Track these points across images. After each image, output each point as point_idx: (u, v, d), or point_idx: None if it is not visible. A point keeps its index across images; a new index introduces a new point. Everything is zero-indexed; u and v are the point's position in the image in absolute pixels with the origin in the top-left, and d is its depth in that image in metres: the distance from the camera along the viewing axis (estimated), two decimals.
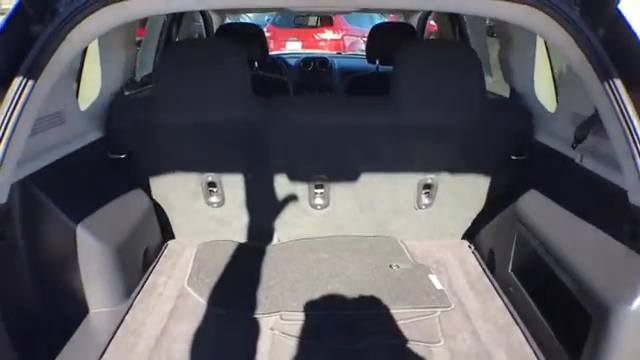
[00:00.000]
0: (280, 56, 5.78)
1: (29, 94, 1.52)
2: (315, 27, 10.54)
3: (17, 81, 1.50)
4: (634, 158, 1.53)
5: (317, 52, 7.53)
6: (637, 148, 1.51)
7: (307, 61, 5.32)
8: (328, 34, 10.62)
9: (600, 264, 1.73)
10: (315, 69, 5.20)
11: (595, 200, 1.96)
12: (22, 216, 1.92)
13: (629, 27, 1.60)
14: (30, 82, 1.52)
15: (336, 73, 5.18)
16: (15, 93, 1.49)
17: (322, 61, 5.31)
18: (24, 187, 1.90)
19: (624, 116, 1.53)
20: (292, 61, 5.45)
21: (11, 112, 1.49)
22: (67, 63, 1.67)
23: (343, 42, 10.42)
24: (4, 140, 1.47)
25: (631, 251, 1.64)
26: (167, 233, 2.81)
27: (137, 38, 3.20)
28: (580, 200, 2.03)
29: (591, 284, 1.69)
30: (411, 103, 2.45)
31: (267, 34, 7.35)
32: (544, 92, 2.75)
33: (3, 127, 1.47)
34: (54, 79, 1.62)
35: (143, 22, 3.66)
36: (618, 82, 1.55)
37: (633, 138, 1.52)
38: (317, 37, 10.55)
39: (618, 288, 1.59)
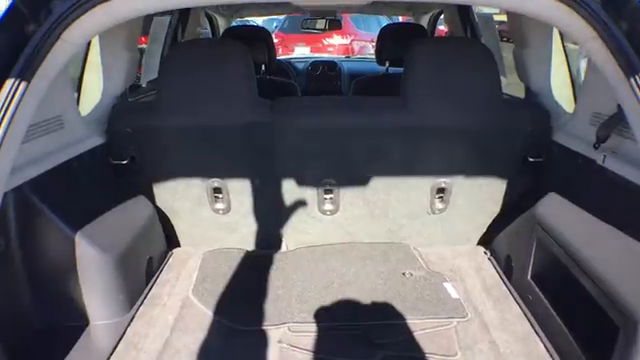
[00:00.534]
0: (288, 60, 5.71)
1: (22, 96, 1.45)
2: (323, 32, 10.51)
3: (9, 83, 1.43)
4: None
5: (325, 56, 7.46)
6: None
7: (315, 65, 5.25)
8: (336, 39, 10.55)
9: (628, 272, 1.63)
10: (324, 72, 5.14)
11: (620, 203, 1.86)
12: (18, 225, 1.85)
13: None
14: (23, 83, 1.45)
15: (345, 76, 5.11)
16: (7, 95, 1.42)
17: (331, 64, 5.25)
18: (20, 194, 1.83)
19: None
20: (300, 65, 5.39)
21: (2, 115, 1.42)
22: (63, 64, 1.60)
23: (352, 47, 10.35)
24: None
25: None
26: (171, 241, 2.73)
27: (140, 46, 3.14)
28: (603, 203, 1.93)
29: (619, 293, 1.59)
30: (423, 103, 2.36)
31: (275, 40, 7.32)
32: (561, 91, 2.66)
33: None
34: (49, 81, 1.56)
35: (145, 30, 3.61)
36: None
37: None
38: (325, 42, 10.49)
39: None
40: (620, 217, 1.79)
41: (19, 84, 1.44)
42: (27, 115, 1.51)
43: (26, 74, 1.46)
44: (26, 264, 1.91)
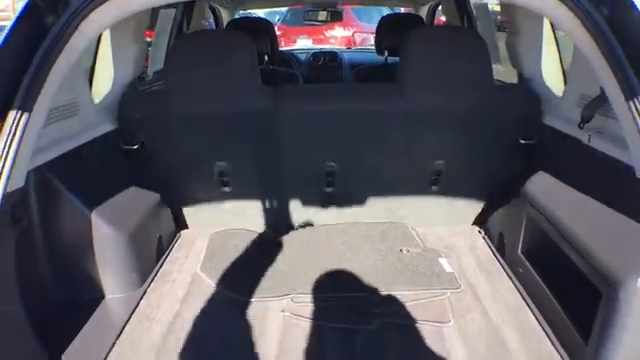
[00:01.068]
0: (290, 51, 5.81)
1: (43, 82, 1.58)
2: (325, 25, 10.60)
3: (32, 70, 1.55)
4: None
5: (327, 47, 7.54)
6: None
7: (317, 55, 5.35)
8: (339, 31, 10.63)
9: (610, 240, 1.75)
10: (325, 63, 5.23)
11: (603, 178, 1.97)
12: (38, 202, 1.98)
13: (634, 6, 1.61)
14: (43, 73, 1.58)
15: (346, 67, 5.20)
16: (30, 81, 1.55)
17: (332, 55, 5.34)
18: (40, 174, 1.96)
19: (632, 94, 1.54)
20: (302, 56, 5.49)
21: (26, 100, 1.54)
22: (79, 54, 1.72)
23: (354, 39, 10.41)
24: (20, 127, 1.53)
25: (637, 220, 1.66)
26: (180, 222, 2.86)
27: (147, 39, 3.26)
28: (589, 179, 2.05)
29: (601, 260, 1.71)
30: (418, 88, 2.47)
31: (278, 33, 7.39)
32: (552, 77, 2.77)
33: (19, 115, 1.52)
34: (66, 69, 1.68)
35: (152, 24, 3.72)
36: (625, 61, 1.57)
37: None
38: (328, 34, 10.57)
39: (628, 262, 1.61)
40: (604, 191, 1.90)
41: (39, 73, 1.56)
42: (46, 101, 1.64)
43: (45, 64, 1.58)
44: (46, 241, 2.03)
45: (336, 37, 10.50)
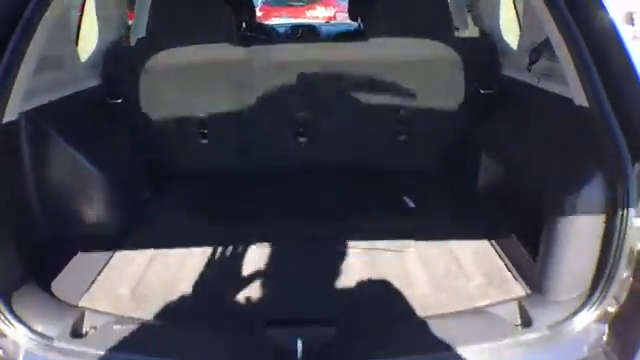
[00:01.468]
0: (270, 25, 5.94)
1: (35, 29, 1.73)
2: (307, 5, 10.74)
3: (25, 17, 1.70)
4: (576, 69, 1.74)
5: (306, 21, 7.66)
6: (579, 60, 1.72)
7: (295, 28, 5.47)
8: (320, 11, 10.79)
9: (552, 164, 1.93)
10: (303, 35, 5.36)
11: (550, 113, 2.15)
12: (29, 144, 2.09)
13: None
14: (36, 19, 1.72)
15: (324, 39, 5.33)
16: (25, 25, 1.70)
17: (310, 28, 5.47)
18: (31, 117, 2.07)
19: (570, 36, 1.74)
20: (281, 29, 5.62)
21: (20, 42, 1.69)
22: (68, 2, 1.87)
23: (335, 18, 10.56)
24: (14, 66, 1.69)
25: (578, 148, 1.83)
26: (162, 170, 2.98)
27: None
28: (538, 115, 2.24)
29: (544, 182, 1.90)
30: (381, 39, 2.64)
31: (259, 14, 7.51)
32: (510, 32, 2.96)
33: (13, 55, 1.68)
34: (56, 17, 1.84)
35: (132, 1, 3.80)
36: (564, 9, 1.76)
37: (576, 52, 1.73)
38: (309, 14, 10.71)
39: (567, 183, 1.78)
40: (549, 123, 2.10)
41: (32, 19, 1.71)
42: (38, 47, 1.78)
43: (37, 12, 1.73)
44: (35, 180, 2.16)
45: (317, 17, 10.61)
